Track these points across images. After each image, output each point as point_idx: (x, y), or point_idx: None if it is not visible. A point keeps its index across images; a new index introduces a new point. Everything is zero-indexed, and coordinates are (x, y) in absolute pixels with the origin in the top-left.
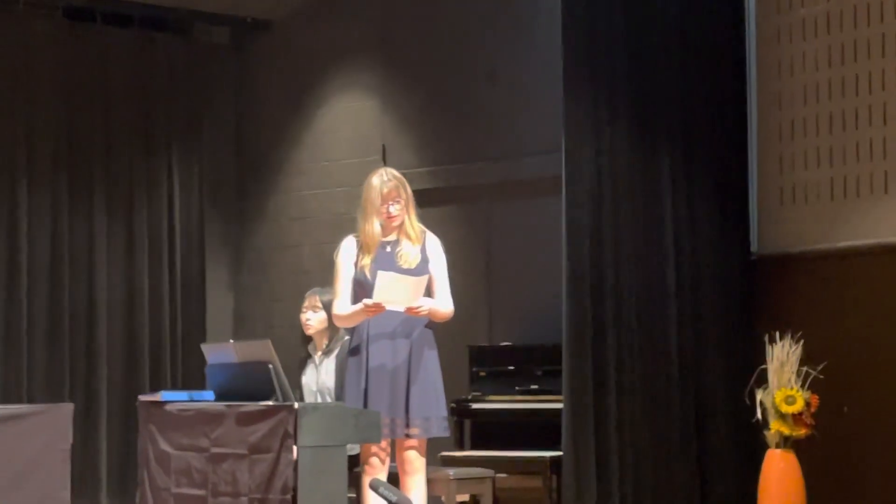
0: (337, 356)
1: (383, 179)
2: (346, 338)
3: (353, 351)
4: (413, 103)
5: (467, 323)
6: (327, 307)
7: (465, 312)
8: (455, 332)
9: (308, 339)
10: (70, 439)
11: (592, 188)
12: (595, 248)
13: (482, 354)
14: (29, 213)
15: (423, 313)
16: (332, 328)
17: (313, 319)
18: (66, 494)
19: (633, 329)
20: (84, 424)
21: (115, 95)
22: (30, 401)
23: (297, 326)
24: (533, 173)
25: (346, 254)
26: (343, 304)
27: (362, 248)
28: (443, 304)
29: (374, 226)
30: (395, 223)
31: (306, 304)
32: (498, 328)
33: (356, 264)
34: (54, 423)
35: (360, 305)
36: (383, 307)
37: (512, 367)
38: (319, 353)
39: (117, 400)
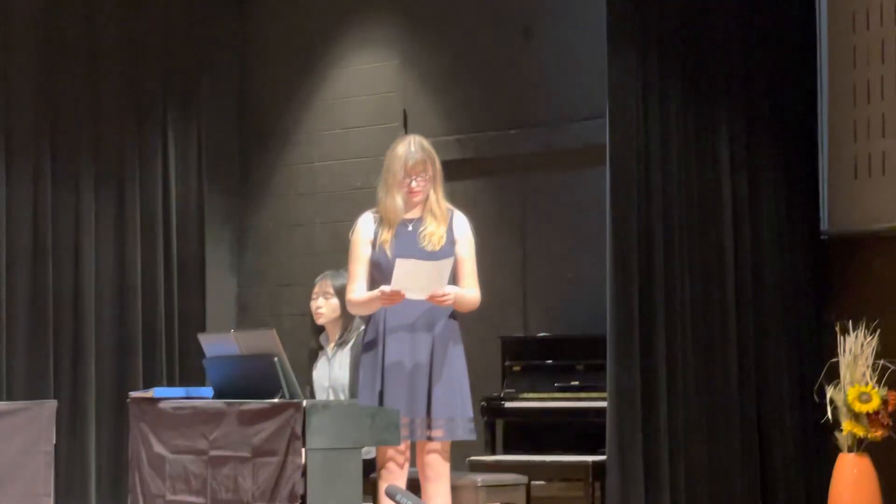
0: (352, 348)
1: (410, 150)
2: (362, 328)
3: (368, 345)
4: (439, 63)
5: (499, 312)
6: (340, 293)
7: (496, 300)
8: (485, 323)
9: (320, 330)
10: (53, 440)
11: (641, 159)
12: (644, 228)
13: (516, 347)
14: (7, 189)
15: (447, 302)
16: (346, 317)
17: (325, 307)
18: (49, 501)
19: (686, 319)
20: (70, 424)
21: (103, 54)
22: (9, 398)
23: (307, 315)
24: (574, 142)
25: (363, 232)
26: (358, 289)
27: (382, 224)
28: (469, 292)
29: (396, 200)
30: (417, 199)
31: (317, 289)
32: (534, 317)
33: (374, 242)
34: (36, 422)
35: (376, 292)
36: (402, 295)
37: (550, 362)
38: (332, 344)
39: (106, 397)
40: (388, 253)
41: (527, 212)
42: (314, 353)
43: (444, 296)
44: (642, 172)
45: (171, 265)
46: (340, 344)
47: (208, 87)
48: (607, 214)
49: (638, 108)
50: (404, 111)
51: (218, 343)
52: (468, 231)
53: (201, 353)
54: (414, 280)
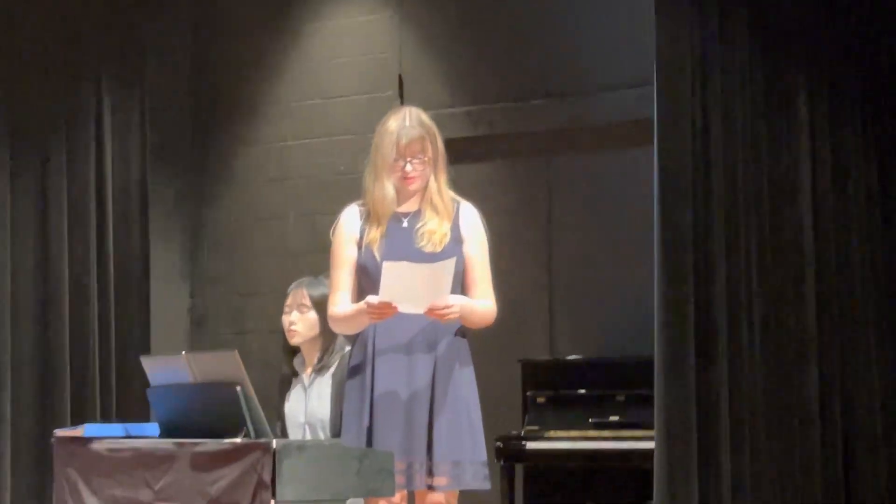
0: (334, 375)
1: (403, 125)
2: (347, 349)
3: (354, 371)
4: (443, 16)
5: (519, 328)
6: (320, 306)
7: (515, 313)
8: (501, 342)
9: (294, 351)
10: None
11: (697, 135)
12: (700, 219)
13: (541, 373)
14: None
15: (450, 317)
16: (326, 335)
17: (300, 323)
18: None
19: (755, 335)
20: None
21: (22, 2)
22: None
23: (279, 332)
24: (613, 115)
25: (348, 229)
26: (341, 301)
27: (369, 219)
28: (481, 303)
29: (386, 188)
30: (413, 186)
31: (290, 301)
32: (562, 335)
33: (360, 242)
34: None
35: (361, 304)
36: (393, 308)
37: (583, 391)
38: (309, 370)
39: (25, 434)
40: (377, 255)
41: (553, 202)
42: (287, 380)
43: (445, 308)
44: (699, 151)
45: (106, 268)
46: (320, 369)
47: (154, 46)
48: (655, 204)
49: (693, 72)
50: (400, 77)
51: (166, 368)
52: (479, 226)
53: (145, 381)
54: (407, 288)
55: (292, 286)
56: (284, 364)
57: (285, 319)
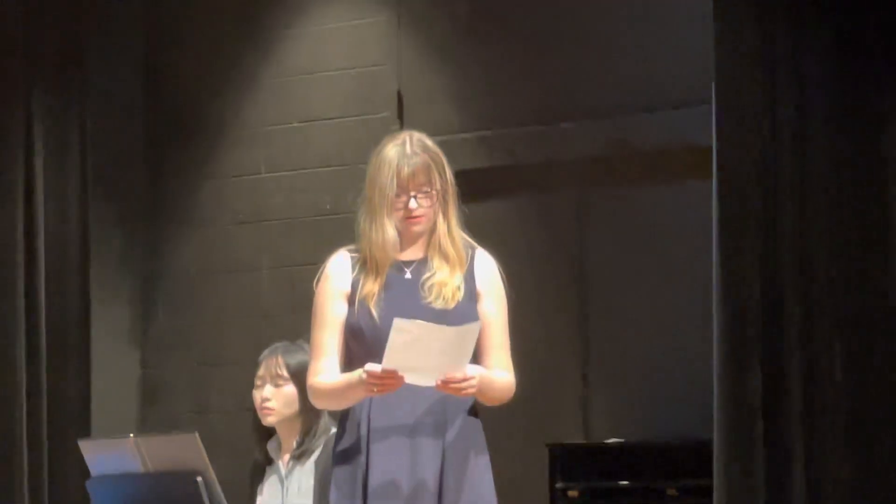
0: (317, 463)
1: (405, 151)
2: (333, 431)
3: (344, 456)
4: (451, 20)
5: (547, 405)
6: (299, 377)
7: (542, 387)
8: (525, 422)
9: (268, 434)
10: None
11: (767, 160)
12: (770, 264)
13: (572, 460)
14: None
15: (468, 392)
16: (307, 413)
17: (275, 399)
18: None
19: (838, 418)
20: None
21: None
22: None
23: (250, 410)
24: (658, 140)
25: (336, 281)
26: (327, 370)
27: (365, 269)
28: (499, 375)
29: (386, 230)
30: (418, 227)
31: (262, 372)
32: (599, 413)
33: (353, 297)
34: None
35: (357, 374)
36: (400, 379)
37: (625, 483)
38: (287, 457)
39: None
40: (375, 313)
41: (587, 246)
42: (260, 468)
43: (464, 381)
44: (769, 181)
45: (36, 331)
46: (299, 456)
47: (98, 54)
48: (714, 248)
49: (762, 91)
50: (399, 93)
51: (110, 454)
52: (497, 279)
53: (84, 470)
54: (419, 354)
55: (265, 354)
56: (256, 449)
57: (256, 395)
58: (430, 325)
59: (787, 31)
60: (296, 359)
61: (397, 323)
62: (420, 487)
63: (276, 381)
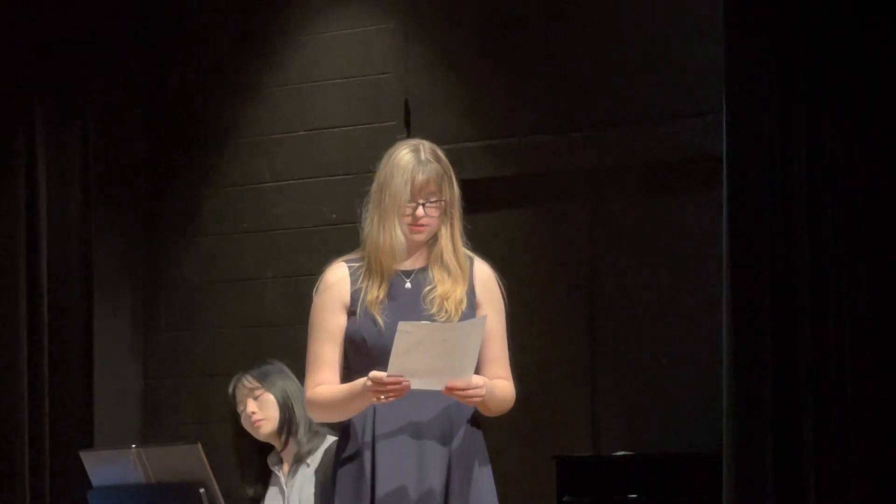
0: (317, 472)
1: (420, 158)
2: (332, 440)
3: (348, 464)
4: (459, 28)
5: (554, 417)
6: (268, 380)
7: (550, 399)
8: (532, 434)
9: (267, 448)
10: None
11: (776, 171)
12: (782, 280)
13: (581, 473)
14: None
15: (475, 400)
16: (288, 413)
17: (262, 409)
18: None
19: (847, 430)
20: None
21: None
22: None
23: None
24: (669, 151)
25: (335, 292)
26: (326, 382)
27: (368, 276)
28: (500, 384)
29: (396, 235)
30: (420, 236)
31: (238, 398)
32: (608, 425)
33: (352, 309)
34: None
35: (360, 383)
36: (405, 386)
37: (634, 496)
38: (286, 467)
39: None
40: (380, 320)
41: (597, 258)
42: (258, 476)
43: (473, 388)
44: (778, 193)
45: (39, 343)
46: (299, 459)
47: (99, 67)
48: (724, 258)
49: (773, 99)
50: (406, 102)
51: (112, 465)
52: (497, 289)
53: (86, 482)
54: (425, 357)
55: (230, 388)
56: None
57: (243, 419)
58: (435, 324)
59: (797, 41)
60: (258, 370)
61: (402, 325)
62: (427, 495)
63: (251, 394)
